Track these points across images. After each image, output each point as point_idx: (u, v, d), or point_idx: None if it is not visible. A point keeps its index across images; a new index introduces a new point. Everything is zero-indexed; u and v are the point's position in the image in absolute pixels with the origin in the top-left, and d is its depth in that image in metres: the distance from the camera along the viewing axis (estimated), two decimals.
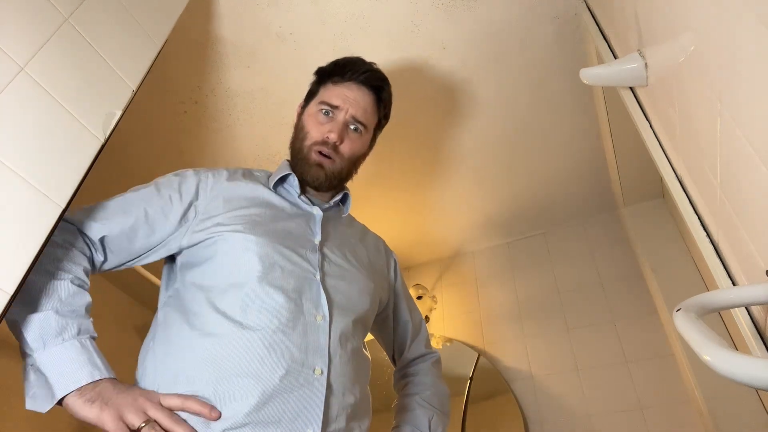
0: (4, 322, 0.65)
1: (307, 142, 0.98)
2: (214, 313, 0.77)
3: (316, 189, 0.99)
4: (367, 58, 1.48)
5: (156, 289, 1.93)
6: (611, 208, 2.05)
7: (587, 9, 1.30)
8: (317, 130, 0.98)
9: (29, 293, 0.68)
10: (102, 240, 0.81)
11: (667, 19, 0.73)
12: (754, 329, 0.68)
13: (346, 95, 1.00)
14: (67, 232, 0.78)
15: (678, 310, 0.55)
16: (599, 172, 1.87)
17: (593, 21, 1.25)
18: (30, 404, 0.66)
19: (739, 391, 1.33)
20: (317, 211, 0.97)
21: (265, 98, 1.62)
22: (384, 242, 1.16)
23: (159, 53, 1.07)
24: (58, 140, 0.77)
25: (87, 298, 0.74)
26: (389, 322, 1.10)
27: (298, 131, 1.03)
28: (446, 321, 2.15)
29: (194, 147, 1.78)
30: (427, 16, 1.39)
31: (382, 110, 1.07)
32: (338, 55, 1.48)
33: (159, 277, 0.95)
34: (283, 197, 0.97)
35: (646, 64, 0.89)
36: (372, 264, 1.03)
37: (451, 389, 1.10)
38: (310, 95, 1.08)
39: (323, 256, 0.91)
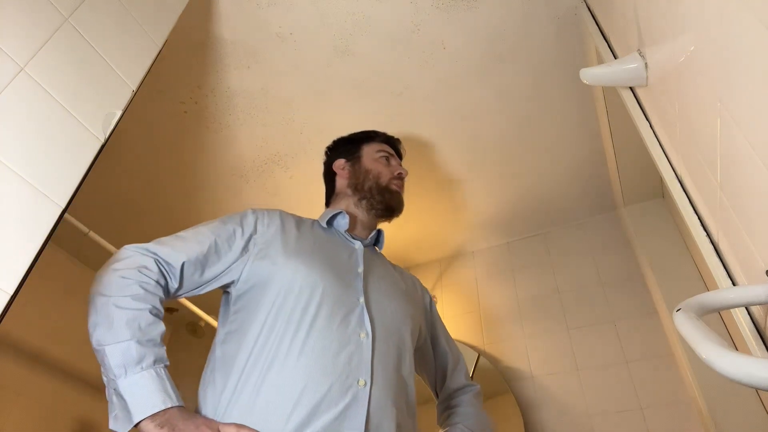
0: (4, 322, 0.65)
1: (383, 179, 1.18)
2: (268, 339, 0.85)
3: (390, 215, 1.19)
4: (367, 58, 1.49)
5: None
6: (611, 208, 2.05)
7: (587, 9, 1.30)
8: (388, 169, 1.21)
9: (114, 321, 0.76)
10: (182, 266, 0.89)
11: (667, 19, 0.73)
12: (754, 329, 0.68)
13: (391, 150, 1.27)
14: (146, 260, 0.86)
15: (678, 310, 0.55)
16: (599, 172, 1.87)
17: (593, 21, 1.25)
18: (112, 424, 0.72)
19: (739, 391, 1.33)
20: (359, 246, 1.10)
21: (265, 98, 1.62)
22: (419, 281, 1.27)
23: (159, 53, 1.07)
24: (58, 140, 0.77)
25: (161, 327, 0.81)
26: (429, 353, 1.18)
27: (365, 173, 1.20)
28: (446, 321, 2.14)
29: (194, 147, 1.78)
30: (427, 16, 1.39)
31: None
32: (338, 55, 1.48)
33: None
34: (331, 233, 1.11)
35: (646, 64, 0.89)
36: (410, 294, 1.14)
37: None
38: (350, 152, 1.27)
39: (366, 283, 1.01)
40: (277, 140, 1.75)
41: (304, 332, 0.85)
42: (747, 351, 0.67)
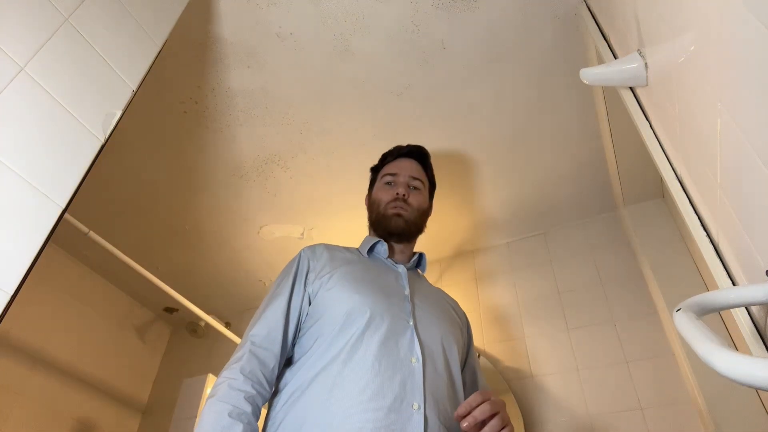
0: (4, 322, 0.65)
1: (382, 205, 1.22)
2: (323, 360, 0.91)
3: (399, 237, 1.20)
4: (367, 58, 1.49)
5: (155, 289, 1.93)
6: (611, 208, 2.05)
7: (587, 9, 1.30)
8: (387, 194, 1.23)
9: (203, 426, 0.82)
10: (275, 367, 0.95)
11: (667, 19, 0.74)
12: (754, 329, 0.68)
13: (399, 165, 1.28)
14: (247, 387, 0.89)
15: (678, 310, 0.55)
16: (599, 172, 1.87)
17: (593, 21, 1.25)
18: None
19: (739, 391, 1.33)
20: (402, 269, 1.15)
21: (265, 98, 1.62)
22: (457, 303, 1.28)
23: (159, 53, 1.07)
24: (58, 140, 0.77)
25: None
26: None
27: (372, 206, 1.26)
28: None
29: (194, 147, 1.78)
30: (427, 16, 1.39)
31: (429, 173, 1.35)
32: (338, 55, 1.48)
33: (156, 274, 0.96)
34: (374, 259, 1.18)
35: (646, 64, 0.89)
36: (452, 317, 1.17)
37: None
38: (370, 184, 1.34)
39: (413, 305, 1.05)
40: (277, 140, 1.75)
41: (360, 358, 0.90)
42: (747, 351, 0.67)
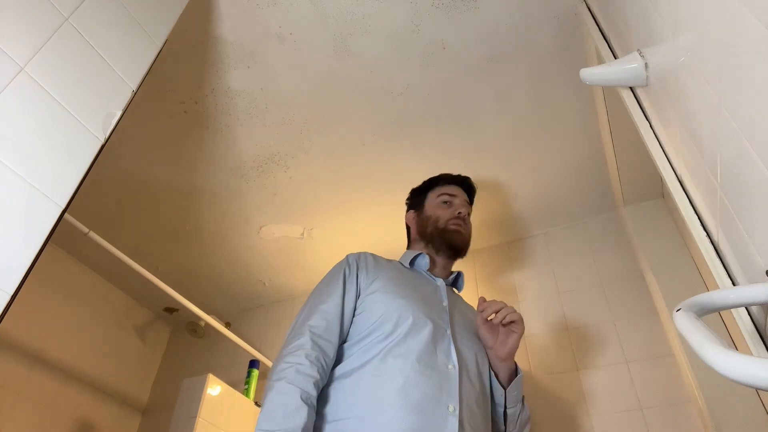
0: (4, 322, 0.65)
1: (441, 222, 1.29)
2: (366, 355, 0.97)
3: (454, 253, 1.28)
4: (367, 58, 1.49)
5: (155, 289, 1.93)
6: (611, 208, 2.05)
7: (587, 9, 1.30)
8: (446, 212, 1.32)
9: (273, 408, 0.86)
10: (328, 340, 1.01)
11: (667, 19, 0.74)
12: (754, 329, 0.68)
13: (454, 190, 1.38)
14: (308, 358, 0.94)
15: (678, 310, 0.55)
16: (599, 171, 1.87)
17: (593, 21, 1.25)
18: None
19: (739, 391, 1.33)
20: (441, 282, 1.23)
21: (265, 98, 1.62)
22: None
23: (159, 53, 1.07)
24: (58, 140, 0.77)
25: (304, 416, 0.86)
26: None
27: (426, 220, 1.33)
28: None
29: (194, 147, 1.78)
30: (427, 16, 1.39)
31: (472, 206, 1.44)
32: (339, 56, 1.48)
33: (156, 274, 0.96)
34: (414, 272, 1.25)
35: (646, 63, 0.89)
36: None
37: None
38: (417, 203, 1.41)
39: (451, 317, 1.12)
40: (277, 140, 1.75)
41: (400, 358, 0.95)
42: (747, 351, 0.67)
